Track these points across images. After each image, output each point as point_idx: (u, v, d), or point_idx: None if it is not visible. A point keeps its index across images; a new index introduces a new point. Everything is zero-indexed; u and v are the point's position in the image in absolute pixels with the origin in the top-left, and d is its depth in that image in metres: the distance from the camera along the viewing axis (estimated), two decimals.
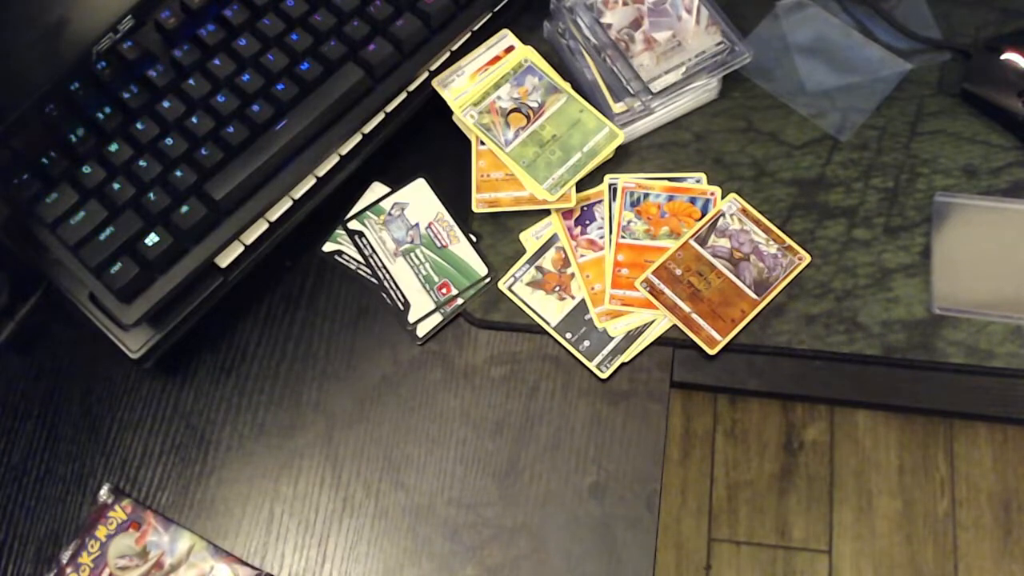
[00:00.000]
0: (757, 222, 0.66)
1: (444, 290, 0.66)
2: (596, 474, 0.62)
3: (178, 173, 0.63)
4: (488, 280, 0.66)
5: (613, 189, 0.67)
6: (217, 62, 0.65)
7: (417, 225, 0.68)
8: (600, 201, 0.67)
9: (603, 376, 0.64)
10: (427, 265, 0.67)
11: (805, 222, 0.67)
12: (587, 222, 0.67)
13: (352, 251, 0.68)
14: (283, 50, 0.66)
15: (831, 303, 0.64)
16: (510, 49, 0.70)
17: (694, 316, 0.63)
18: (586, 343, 0.64)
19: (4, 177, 0.63)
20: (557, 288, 0.66)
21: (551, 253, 0.67)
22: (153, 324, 0.62)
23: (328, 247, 0.69)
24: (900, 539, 1.35)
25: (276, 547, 0.61)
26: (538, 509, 0.61)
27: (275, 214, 0.65)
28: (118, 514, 0.62)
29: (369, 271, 0.68)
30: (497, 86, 0.69)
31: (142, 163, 0.63)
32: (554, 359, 0.65)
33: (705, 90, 0.70)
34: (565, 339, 0.64)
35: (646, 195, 0.67)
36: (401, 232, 0.68)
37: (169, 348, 0.64)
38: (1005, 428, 1.40)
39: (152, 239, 0.61)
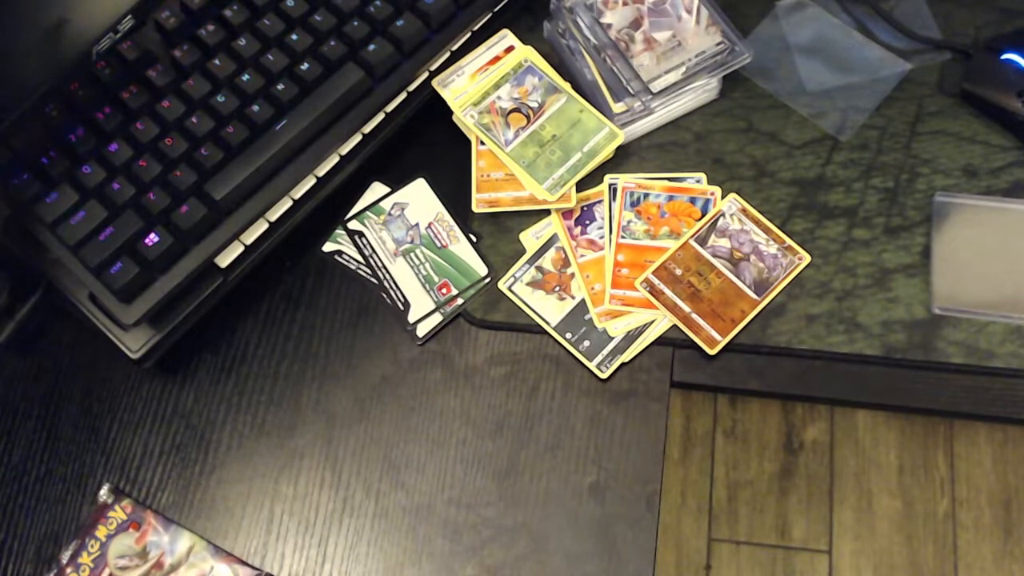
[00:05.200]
0: (757, 222, 0.66)
1: (444, 290, 0.66)
2: (596, 474, 0.62)
3: (178, 173, 0.63)
4: (488, 280, 0.66)
5: (613, 189, 0.67)
6: (217, 62, 0.65)
7: (417, 225, 0.68)
8: (600, 201, 0.67)
9: (603, 376, 0.64)
10: (427, 265, 0.67)
11: (805, 222, 0.67)
12: (587, 222, 0.67)
13: (352, 251, 0.68)
14: (283, 50, 0.66)
15: (831, 303, 0.64)
16: (510, 49, 0.70)
17: (694, 316, 0.63)
18: (586, 343, 0.64)
19: (4, 177, 0.63)
20: (557, 288, 0.66)
21: (551, 253, 0.67)
22: (153, 324, 0.62)
23: (328, 247, 0.69)
24: (900, 539, 1.35)
25: (276, 547, 0.61)
26: (538, 509, 0.61)
27: (275, 214, 0.65)
28: (118, 514, 0.62)
29: (369, 271, 0.68)
30: (497, 86, 0.69)
31: (142, 163, 0.63)
32: (554, 359, 0.65)
33: (705, 90, 0.70)
34: (565, 339, 0.64)
35: (646, 195, 0.67)
36: (401, 232, 0.68)
37: (169, 348, 0.64)
38: (1005, 428, 1.40)
39: (152, 239, 0.61)
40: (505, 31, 0.71)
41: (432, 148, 0.71)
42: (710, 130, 0.70)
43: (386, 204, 0.69)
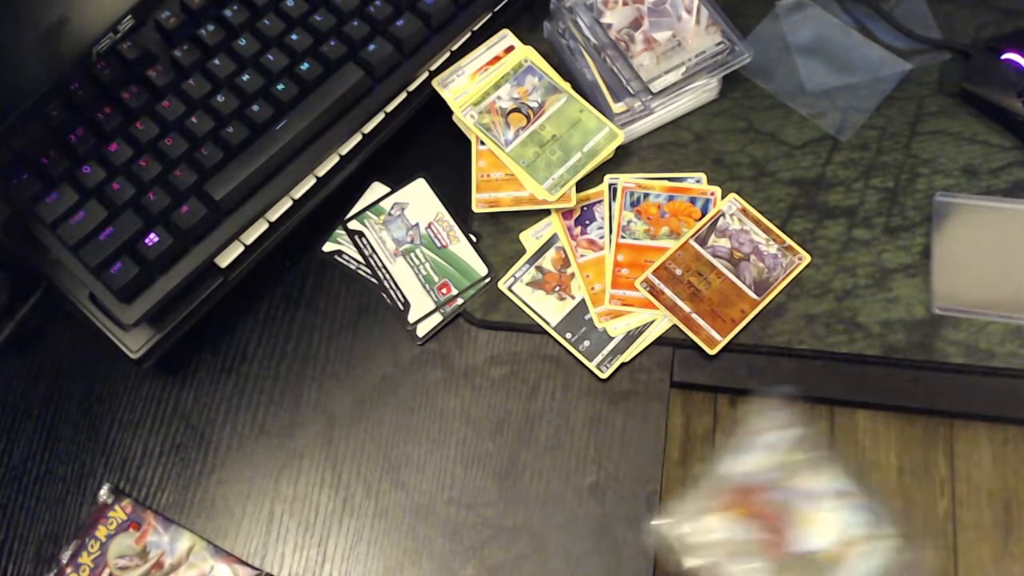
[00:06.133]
0: (757, 222, 0.66)
1: (444, 290, 0.66)
2: (596, 474, 0.62)
3: (178, 173, 0.63)
4: (488, 280, 0.66)
5: (613, 189, 0.67)
6: (217, 62, 0.65)
7: (417, 225, 0.68)
8: (600, 201, 0.67)
9: (603, 376, 0.64)
10: (427, 265, 0.67)
11: (805, 222, 0.67)
12: (587, 222, 0.67)
13: (352, 251, 0.68)
14: (283, 50, 0.66)
15: (831, 303, 0.64)
16: (510, 49, 0.70)
17: (694, 316, 0.63)
18: (586, 343, 0.64)
19: (4, 177, 0.63)
20: (557, 288, 0.66)
21: (551, 253, 0.67)
22: (153, 324, 0.62)
23: (328, 247, 0.69)
24: (900, 539, 1.35)
25: (276, 547, 0.61)
26: (538, 509, 0.61)
27: (275, 214, 0.65)
28: (118, 514, 0.62)
29: (369, 271, 0.68)
30: (497, 86, 0.69)
31: (142, 163, 0.63)
32: (554, 359, 0.65)
33: (705, 90, 0.70)
34: (565, 339, 0.64)
35: (646, 195, 0.67)
36: (401, 232, 0.68)
37: (169, 348, 0.64)
38: (1005, 428, 1.40)
39: (152, 239, 0.61)
40: (505, 31, 0.71)
41: (432, 148, 0.71)
42: (710, 130, 0.70)
43: (386, 204, 0.69)
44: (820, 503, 0.45)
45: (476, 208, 0.67)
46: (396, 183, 0.69)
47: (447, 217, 0.68)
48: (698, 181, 0.68)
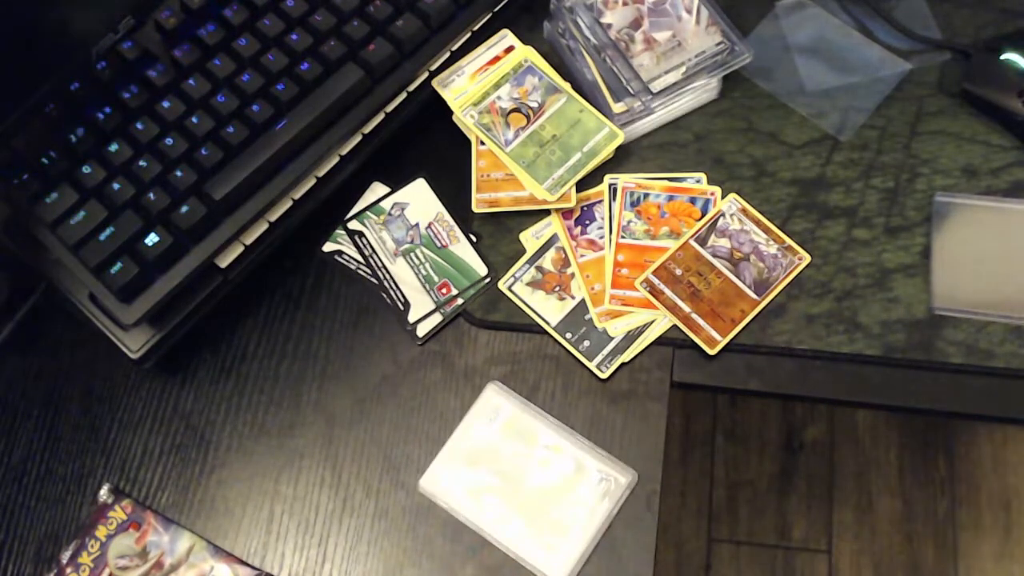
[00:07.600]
0: (757, 222, 0.66)
1: (444, 290, 0.66)
2: None
3: (178, 173, 0.63)
4: (488, 280, 0.66)
5: (613, 189, 0.67)
6: (217, 62, 0.65)
7: (417, 225, 0.68)
8: (600, 201, 0.67)
9: (603, 376, 0.64)
10: (427, 265, 0.67)
11: (805, 222, 0.67)
12: (587, 222, 0.67)
13: (352, 251, 0.68)
14: (283, 50, 0.66)
15: (831, 303, 0.64)
16: (510, 49, 0.70)
17: (694, 316, 0.63)
18: (586, 343, 0.64)
19: (4, 177, 0.63)
20: (557, 288, 0.66)
21: (551, 253, 0.67)
22: (153, 324, 0.62)
23: (328, 247, 0.69)
24: (900, 539, 1.35)
25: (276, 547, 0.61)
26: None
27: (275, 214, 0.65)
28: (118, 514, 0.62)
29: (369, 271, 0.68)
30: (497, 86, 0.69)
31: (142, 163, 0.63)
32: (554, 359, 0.65)
33: (705, 90, 0.70)
34: (565, 339, 0.64)
35: (646, 195, 0.67)
36: (401, 232, 0.68)
37: (169, 348, 0.64)
38: (1005, 428, 1.40)
39: (152, 239, 0.61)
40: (505, 31, 0.71)
41: (432, 148, 0.71)
42: (710, 130, 0.70)
43: (386, 204, 0.69)
44: (539, 454, 0.62)
45: (476, 208, 0.67)
46: (396, 183, 0.69)
47: (447, 217, 0.68)
48: (698, 181, 0.68)
